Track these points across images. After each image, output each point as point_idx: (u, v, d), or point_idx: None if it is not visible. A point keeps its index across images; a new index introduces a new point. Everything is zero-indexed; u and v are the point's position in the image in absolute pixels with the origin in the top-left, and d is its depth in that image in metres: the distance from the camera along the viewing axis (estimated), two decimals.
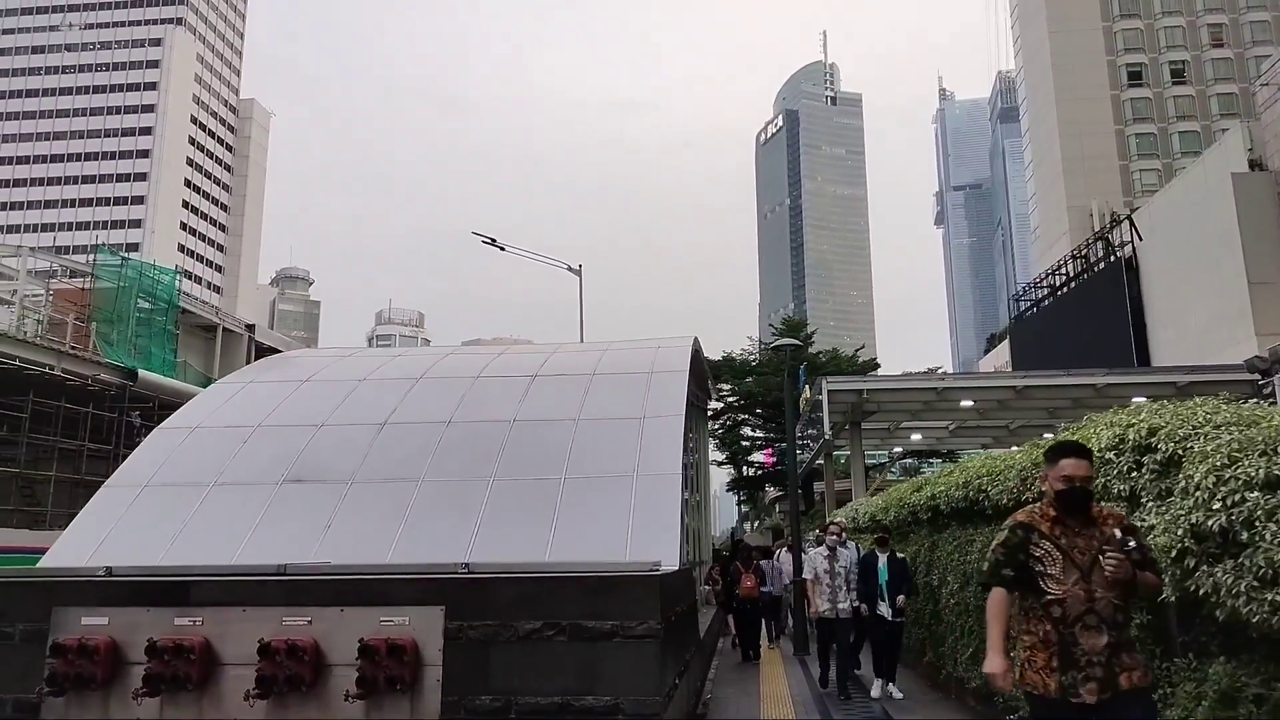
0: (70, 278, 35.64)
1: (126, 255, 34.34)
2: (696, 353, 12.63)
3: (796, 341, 21.35)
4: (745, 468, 50.44)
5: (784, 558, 16.81)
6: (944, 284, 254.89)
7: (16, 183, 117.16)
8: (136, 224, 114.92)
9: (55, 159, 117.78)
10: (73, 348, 28.82)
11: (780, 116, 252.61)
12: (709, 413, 42.54)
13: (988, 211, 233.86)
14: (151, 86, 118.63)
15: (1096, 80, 72.30)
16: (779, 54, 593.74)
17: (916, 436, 32.25)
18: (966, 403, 25.37)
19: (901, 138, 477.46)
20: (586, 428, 9.10)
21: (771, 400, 40.16)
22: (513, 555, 7.54)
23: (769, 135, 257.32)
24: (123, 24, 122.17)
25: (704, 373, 15.23)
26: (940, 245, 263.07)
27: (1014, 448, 11.98)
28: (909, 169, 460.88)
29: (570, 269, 31.72)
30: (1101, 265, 44.85)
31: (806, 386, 28.82)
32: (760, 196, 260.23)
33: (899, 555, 10.19)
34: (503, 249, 31.74)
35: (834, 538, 10.57)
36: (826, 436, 24.65)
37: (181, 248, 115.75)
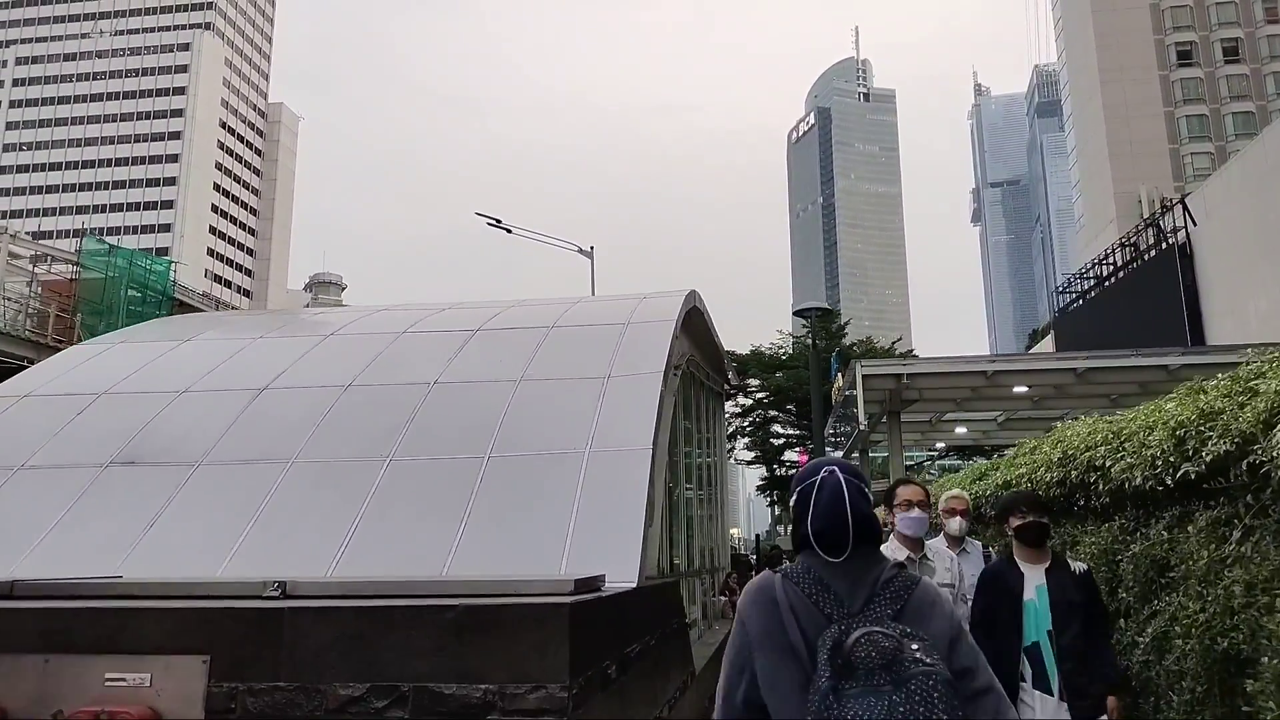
0: (61, 266, 33.98)
1: (113, 244, 32.73)
2: (698, 311, 10.13)
3: (824, 306, 18.78)
4: (777, 467, 48.12)
5: None
6: (981, 282, 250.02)
7: (49, 189, 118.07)
8: (166, 228, 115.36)
9: (86, 165, 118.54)
10: (56, 340, 27.25)
11: (812, 114, 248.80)
12: (737, 406, 40.39)
13: (1026, 208, 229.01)
14: (180, 91, 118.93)
15: (1144, 60, 68.97)
16: (811, 51, 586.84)
17: (961, 430, 29.37)
18: (1020, 389, 22.55)
19: (936, 134, 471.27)
20: (530, 391, 6.65)
21: (802, 396, 37.60)
22: (398, 566, 5.13)
23: (801, 133, 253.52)
24: (152, 30, 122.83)
25: (714, 346, 12.70)
26: (977, 242, 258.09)
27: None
28: (944, 166, 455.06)
29: (582, 251, 29.57)
30: (1152, 253, 41.81)
31: (839, 375, 26.07)
32: (792, 195, 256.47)
33: (1078, 567, 4.18)
34: (509, 231, 29.87)
35: (913, 514, 4.25)
36: (861, 428, 21.98)
37: (211, 251, 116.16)
